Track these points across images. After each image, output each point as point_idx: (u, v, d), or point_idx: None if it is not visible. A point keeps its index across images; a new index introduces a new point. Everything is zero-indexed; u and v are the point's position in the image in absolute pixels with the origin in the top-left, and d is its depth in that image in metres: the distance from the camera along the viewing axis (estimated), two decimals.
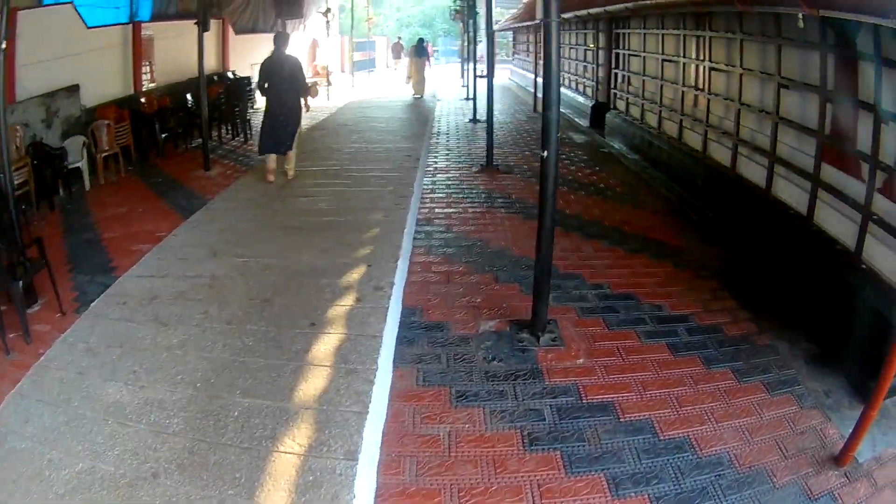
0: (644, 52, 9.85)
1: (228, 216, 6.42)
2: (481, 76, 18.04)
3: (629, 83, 10.79)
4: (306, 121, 11.32)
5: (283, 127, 7.64)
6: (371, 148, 10.07)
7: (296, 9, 14.03)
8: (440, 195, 7.64)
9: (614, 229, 6.50)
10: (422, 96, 17.29)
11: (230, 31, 13.30)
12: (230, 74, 13.15)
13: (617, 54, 11.42)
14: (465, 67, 21.10)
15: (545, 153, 3.84)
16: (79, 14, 8.79)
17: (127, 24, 10.15)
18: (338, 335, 3.89)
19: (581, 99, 14.51)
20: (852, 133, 4.48)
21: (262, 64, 7.64)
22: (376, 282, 4.63)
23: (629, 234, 6.37)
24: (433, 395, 3.60)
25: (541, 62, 17.61)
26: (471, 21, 15.14)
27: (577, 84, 15.14)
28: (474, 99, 13.95)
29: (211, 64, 12.49)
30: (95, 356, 3.71)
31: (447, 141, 11.47)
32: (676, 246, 6.02)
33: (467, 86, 18.29)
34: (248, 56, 13.98)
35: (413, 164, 8.82)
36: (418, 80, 17.10)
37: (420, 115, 14.50)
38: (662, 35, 8.81)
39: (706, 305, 4.81)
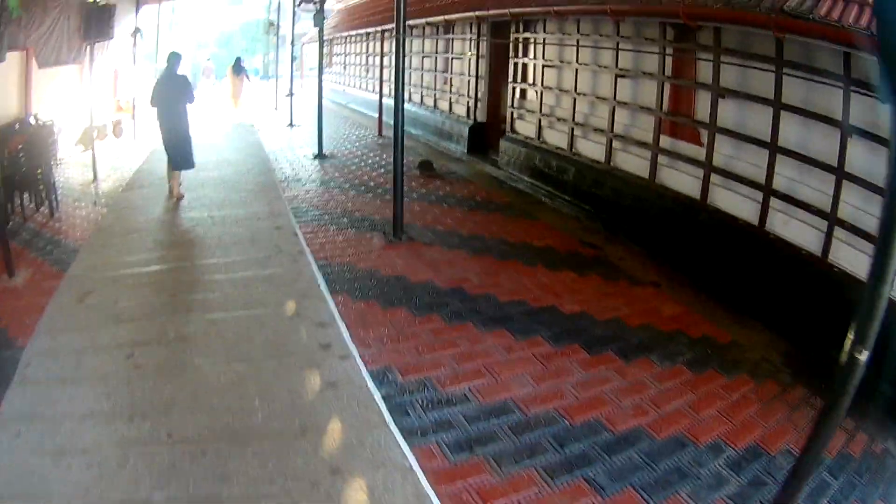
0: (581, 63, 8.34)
1: (60, 406, 3.55)
2: (289, 95, 16.31)
3: (555, 102, 9.13)
4: (110, 175, 9.80)
5: (182, 144, 8.13)
6: (220, 218, 7.26)
7: (105, 29, 10.94)
8: (367, 307, 5.10)
9: (645, 330, 4.94)
10: (240, 110, 18.12)
11: (34, 64, 10.09)
12: (32, 120, 9.62)
13: (518, 65, 9.77)
14: (279, 86, 19.12)
15: (861, 354, 2.11)
16: None
17: None
18: None
19: (444, 119, 12.75)
20: None
21: (155, 83, 8.21)
22: None
23: (668, 333, 4.92)
24: None
25: (380, 76, 15.95)
26: (317, 28, 12.48)
27: (436, 101, 13.34)
28: (320, 129, 11.46)
29: (11, 108, 9.49)
30: None
31: (306, 192, 8.84)
32: (727, 343, 4.83)
33: (291, 109, 15.76)
34: (52, 95, 10.80)
35: (293, 246, 6.27)
36: (236, 94, 18.48)
37: (251, 152, 11.81)
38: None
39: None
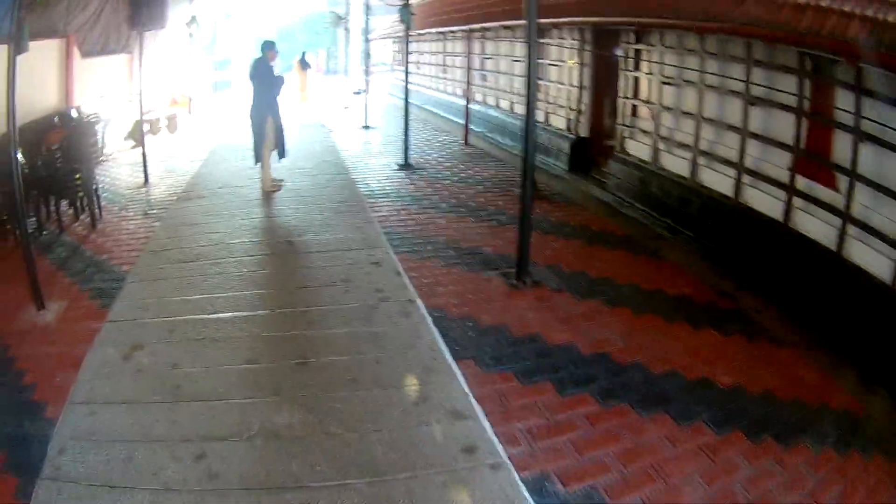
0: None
1: None
2: (358, 93, 15.75)
3: (673, 125, 8.12)
4: (163, 178, 9.13)
5: (256, 136, 8.06)
6: (302, 246, 6.52)
7: (157, 16, 10.37)
8: (503, 382, 4.26)
9: (797, 407, 4.20)
10: (307, 101, 19.42)
11: (76, 53, 9.68)
12: (74, 112, 9.17)
13: (629, 78, 8.79)
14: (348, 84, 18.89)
15: None
16: None
17: None
18: None
19: (540, 132, 11.70)
20: None
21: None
22: None
23: (816, 409, 4.20)
24: None
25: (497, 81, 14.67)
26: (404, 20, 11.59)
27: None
28: (406, 137, 10.74)
29: (49, 100, 9.15)
30: None
31: (398, 212, 8.04)
32: (863, 417, 4.18)
33: (366, 109, 15.10)
34: (98, 86, 10.41)
35: (399, 290, 5.45)
36: (303, 88, 19.76)
37: (327, 158, 11.16)
38: None
39: None
